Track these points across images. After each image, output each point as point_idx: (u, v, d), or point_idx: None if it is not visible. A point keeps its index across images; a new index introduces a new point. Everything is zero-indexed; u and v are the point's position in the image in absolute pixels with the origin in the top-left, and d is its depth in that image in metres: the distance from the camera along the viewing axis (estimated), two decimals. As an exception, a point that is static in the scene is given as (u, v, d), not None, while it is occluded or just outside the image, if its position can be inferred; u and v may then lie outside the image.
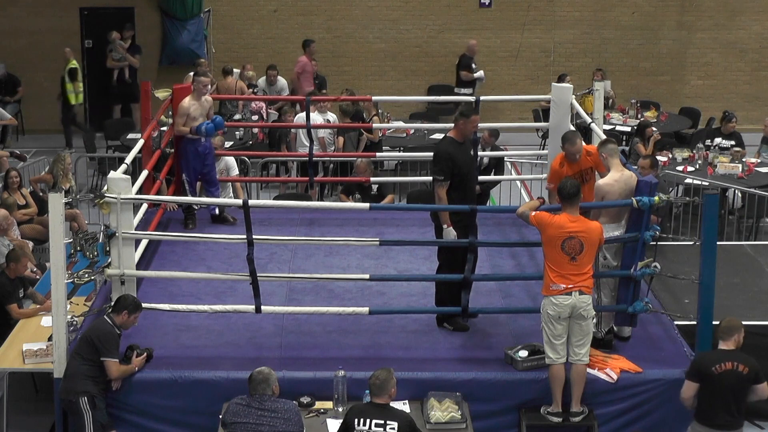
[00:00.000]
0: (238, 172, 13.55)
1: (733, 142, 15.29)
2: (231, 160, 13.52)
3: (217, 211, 12.02)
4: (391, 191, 13.29)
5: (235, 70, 17.70)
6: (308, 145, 12.93)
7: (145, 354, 8.84)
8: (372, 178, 12.89)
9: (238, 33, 19.76)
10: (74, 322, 9.32)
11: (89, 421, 8.46)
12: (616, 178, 9.10)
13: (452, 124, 9.58)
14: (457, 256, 9.31)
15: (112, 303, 8.94)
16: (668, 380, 8.81)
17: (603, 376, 8.85)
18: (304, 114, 14.99)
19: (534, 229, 8.85)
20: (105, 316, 8.77)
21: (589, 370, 8.74)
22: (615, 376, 8.84)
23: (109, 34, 18.83)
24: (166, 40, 19.43)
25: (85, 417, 8.46)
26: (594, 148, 9.65)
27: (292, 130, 15.53)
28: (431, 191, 13.60)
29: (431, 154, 9.54)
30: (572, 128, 11.54)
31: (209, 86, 11.89)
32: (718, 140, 15.37)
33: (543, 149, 15.67)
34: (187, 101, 11.57)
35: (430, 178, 9.66)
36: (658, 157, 14.63)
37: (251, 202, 9.30)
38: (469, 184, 9.54)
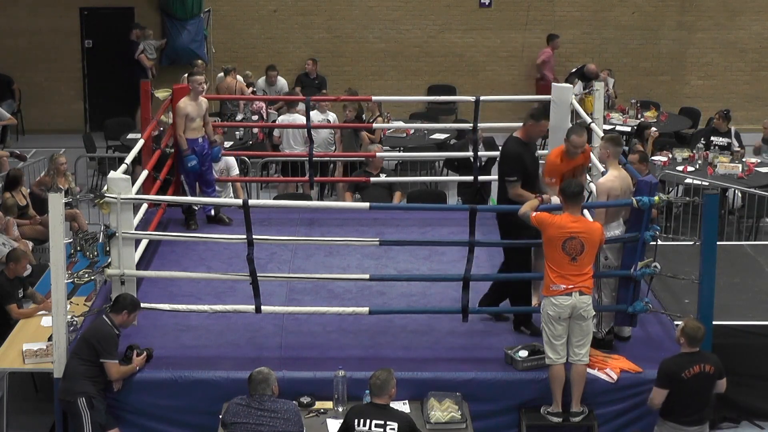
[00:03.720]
0: (238, 172, 13.55)
1: (729, 140, 15.29)
2: (231, 160, 13.51)
3: (213, 211, 12.02)
4: (397, 190, 13.36)
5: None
6: (296, 147, 12.94)
7: (145, 354, 8.83)
8: (372, 179, 12.89)
9: (238, 33, 19.73)
10: (74, 322, 9.32)
11: (87, 421, 8.45)
12: (616, 174, 9.13)
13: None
14: (524, 255, 9.41)
15: (111, 302, 8.94)
16: (668, 380, 8.80)
17: (603, 376, 8.85)
18: (290, 116, 15.09)
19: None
20: (104, 316, 8.76)
21: (589, 370, 8.74)
22: (615, 376, 8.84)
23: (143, 33, 18.86)
24: (166, 40, 19.40)
25: (83, 417, 8.46)
26: (587, 146, 9.67)
27: (275, 132, 15.53)
28: (432, 191, 13.56)
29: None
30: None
31: (205, 85, 11.87)
32: (715, 138, 15.38)
33: (543, 149, 15.64)
34: (183, 102, 11.57)
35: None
36: (659, 157, 14.66)
37: (251, 202, 9.30)
38: (534, 185, 9.53)
